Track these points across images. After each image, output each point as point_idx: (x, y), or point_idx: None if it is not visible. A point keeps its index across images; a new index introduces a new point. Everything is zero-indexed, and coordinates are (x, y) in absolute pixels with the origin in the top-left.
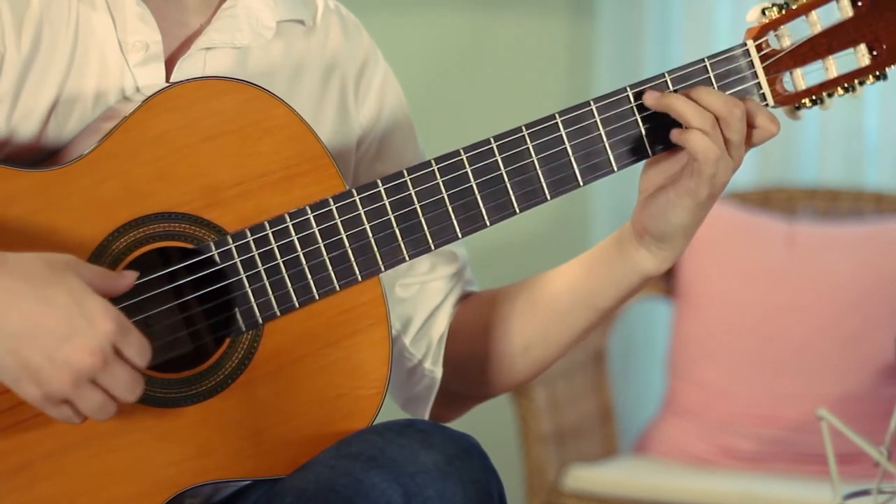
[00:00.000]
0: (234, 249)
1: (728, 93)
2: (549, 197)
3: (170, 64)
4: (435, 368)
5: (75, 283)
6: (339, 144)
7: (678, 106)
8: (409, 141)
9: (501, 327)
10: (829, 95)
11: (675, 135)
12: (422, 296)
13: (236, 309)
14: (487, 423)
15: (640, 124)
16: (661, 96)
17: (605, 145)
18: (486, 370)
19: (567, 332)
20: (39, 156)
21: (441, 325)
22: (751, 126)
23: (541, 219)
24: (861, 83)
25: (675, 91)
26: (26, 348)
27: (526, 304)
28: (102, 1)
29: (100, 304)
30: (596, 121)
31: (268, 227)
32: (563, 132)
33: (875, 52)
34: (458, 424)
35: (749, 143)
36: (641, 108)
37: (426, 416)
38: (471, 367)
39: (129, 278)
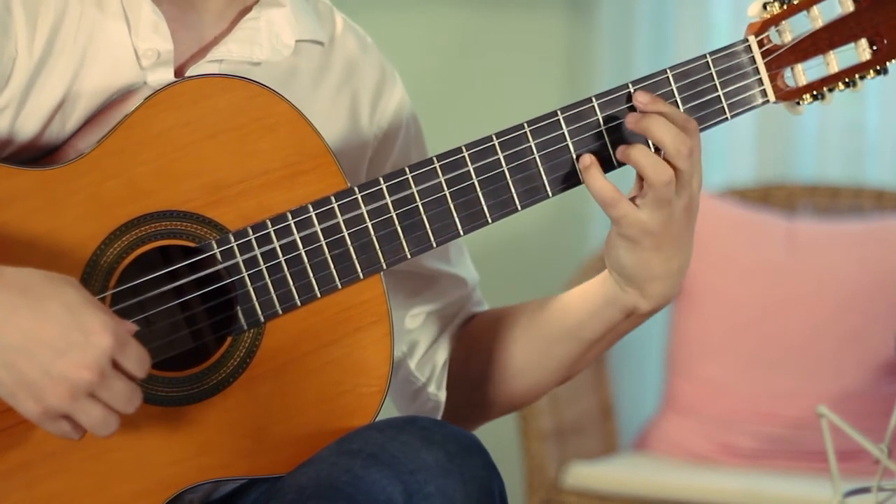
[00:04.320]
0: (235, 248)
1: (730, 88)
2: (550, 194)
3: (181, 71)
4: (439, 392)
5: (73, 296)
6: (348, 149)
7: (637, 158)
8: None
9: (499, 350)
10: (830, 90)
11: (581, 168)
12: (427, 323)
13: (238, 307)
14: None
15: None
16: (625, 148)
17: (606, 142)
18: (485, 392)
19: (555, 360)
20: (37, 153)
21: (445, 350)
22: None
23: (540, 216)
24: (861, 77)
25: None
26: (22, 362)
27: (522, 329)
28: (119, 7)
29: (97, 317)
30: (598, 118)
31: (270, 225)
32: (565, 129)
33: (875, 47)
34: None
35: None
36: None
37: None
38: (472, 389)
39: (127, 326)
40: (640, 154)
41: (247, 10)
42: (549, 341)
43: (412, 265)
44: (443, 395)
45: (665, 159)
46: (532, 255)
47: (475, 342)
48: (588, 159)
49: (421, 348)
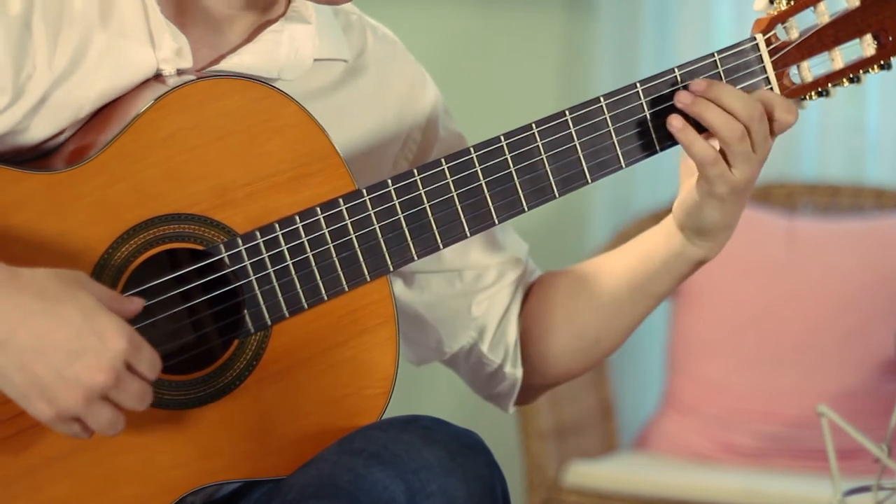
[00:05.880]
0: (243, 251)
1: (739, 87)
2: (557, 194)
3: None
4: (515, 370)
5: (87, 299)
6: (374, 159)
7: (709, 116)
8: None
9: (571, 324)
10: (834, 86)
11: (675, 131)
12: (492, 305)
13: (245, 311)
14: (488, 419)
15: (650, 120)
16: (693, 101)
17: (614, 142)
18: (558, 362)
19: (630, 320)
20: (38, 153)
21: (514, 328)
22: (770, 119)
23: (539, 214)
24: (865, 72)
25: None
26: (36, 365)
27: (590, 299)
28: (145, 33)
29: (111, 321)
30: (605, 117)
31: (278, 228)
32: (572, 129)
33: (880, 42)
34: (458, 419)
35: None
36: (651, 104)
37: (510, 409)
38: (545, 360)
39: (136, 304)
40: (710, 112)
41: (271, 21)
42: (619, 304)
43: (469, 264)
44: (519, 372)
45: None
46: (531, 256)
47: (541, 317)
48: (680, 122)
49: (490, 331)
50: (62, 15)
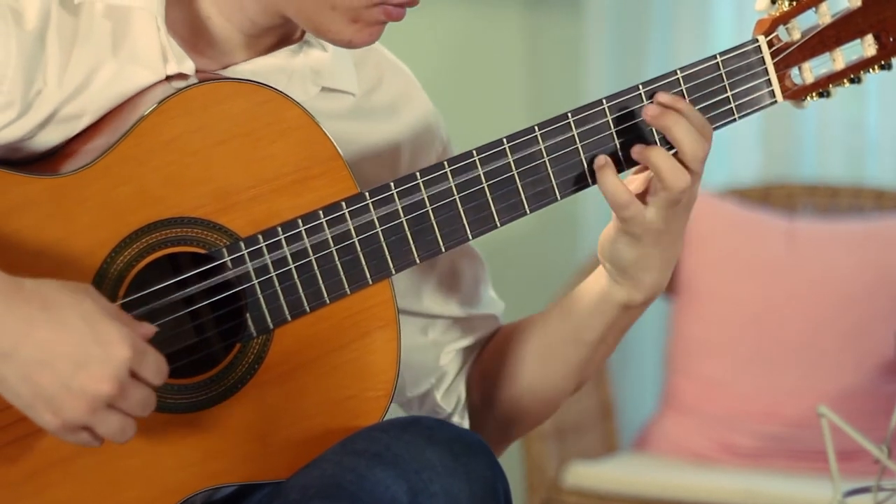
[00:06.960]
0: (246, 255)
1: (743, 87)
2: (559, 197)
3: None
4: (462, 422)
5: (91, 307)
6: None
7: (656, 161)
8: None
9: (509, 372)
10: (835, 86)
11: (595, 167)
12: (457, 357)
13: (248, 315)
14: None
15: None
16: (642, 149)
17: (616, 144)
18: (503, 414)
19: (562, 368)
20: (41, 156)
21: (464, 380)
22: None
23: (530, 223)
24: (865, 72)
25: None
26: (41, 375)
27: (527, 343)
28: (159, 62)
29: (115, 328)
30: (608, 119)
31: (280, 232)
32: (574, 132)
33: (881, 42)
34: None
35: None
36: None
37: None
38: (491, 412)
39: (147, 329)
40: (659, 157)
41: (290, 42)
42: (551, 351)
43: (446, 312)
44: (466, 424)
45: (680, 160)
46: (522, 264)
47: (488, 366)
48: (603, 159)
49: (447, 380)
50: (77, 31)
